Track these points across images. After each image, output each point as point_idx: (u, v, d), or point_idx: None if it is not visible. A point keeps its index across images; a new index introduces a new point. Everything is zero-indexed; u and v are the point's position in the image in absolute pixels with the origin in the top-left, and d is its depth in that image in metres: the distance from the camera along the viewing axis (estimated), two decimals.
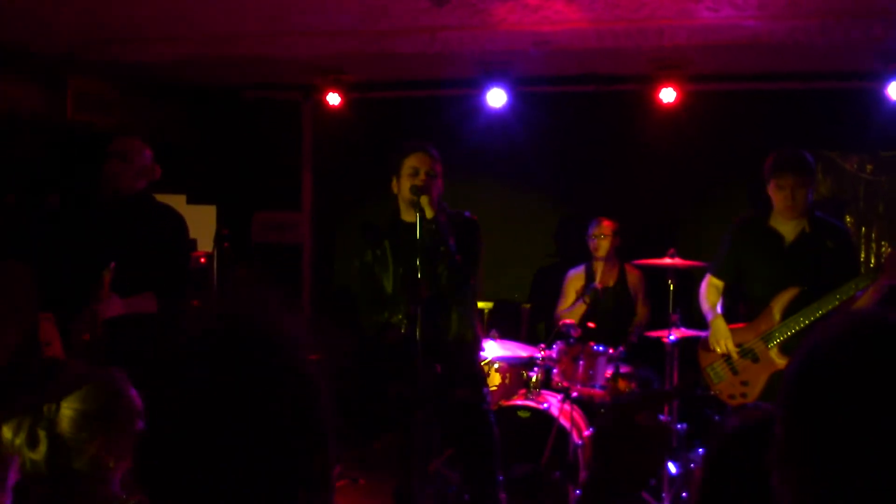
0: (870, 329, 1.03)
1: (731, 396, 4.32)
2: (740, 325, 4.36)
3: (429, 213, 3.60)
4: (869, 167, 5.92)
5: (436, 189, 3.75)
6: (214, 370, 1.17)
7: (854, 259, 4.36)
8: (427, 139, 4.19)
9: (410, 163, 3.77)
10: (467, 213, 3.95)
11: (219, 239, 6.52)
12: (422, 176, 3.73)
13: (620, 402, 4.86)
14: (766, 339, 4.22)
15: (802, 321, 4.10)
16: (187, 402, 1.17)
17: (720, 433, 1.68)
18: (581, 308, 5.48)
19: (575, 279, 5.81)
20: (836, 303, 4.01)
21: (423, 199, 3.60)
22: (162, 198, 4.33)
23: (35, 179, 5.25)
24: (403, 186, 3.82)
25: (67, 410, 1.94)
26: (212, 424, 1.14)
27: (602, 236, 5.64)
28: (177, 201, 6.04)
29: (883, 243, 5.89)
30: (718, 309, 4.46)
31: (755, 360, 4.27)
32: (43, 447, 1.93)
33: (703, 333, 4.81)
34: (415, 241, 3.53)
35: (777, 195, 4.19)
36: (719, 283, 4.50)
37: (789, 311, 4.17)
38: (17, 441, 1.93)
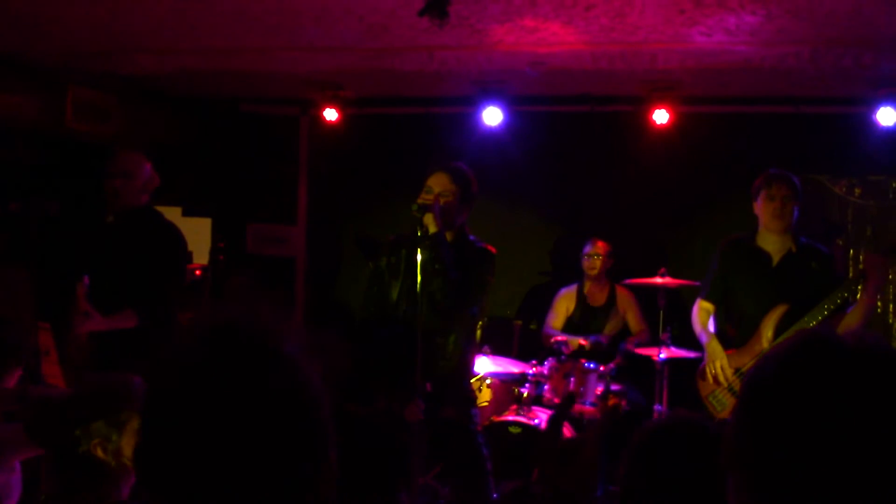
0: (816, 345, 1.11)
1: None
2: (731, 350, 4.37)
3: (431, 229, 3.69)
4: (857, 191, 5.99)
5: (446, 209, 3.81)
6: (211, 379, 1.16)
7: (839, 281, 4.37)
8: (423, 156, 4.24)
9: (429, 181, 3.88)
10: (481, 244, 3.96)
11: (214, 251, 6.56)
12: (432, 194, 3.82)
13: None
14: None
15: None
16: (183, 410, 1.16)
17: (641, 431, 1.82)
18: (576, 341, 5.48)
19: (565, 298, 5.89)
20: (826, 313, 4.06)
21: (427, 217, 3.70)
22: (158, 209, 4.32)
23: (36, 187, 5.27)
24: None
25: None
26: (208, 432, 1.14)
27: (596, 256, 5.72)
28: (173, 213, 6.07)
29: None
30: (711, 329, 4.48)
31: None
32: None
33: (692, 354, 4.84)
34: (415, 254, 3.65)
35: (767, 207, 4.25)
36: (710, 307, 4.53)
37: (781, 328, 4.19)
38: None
